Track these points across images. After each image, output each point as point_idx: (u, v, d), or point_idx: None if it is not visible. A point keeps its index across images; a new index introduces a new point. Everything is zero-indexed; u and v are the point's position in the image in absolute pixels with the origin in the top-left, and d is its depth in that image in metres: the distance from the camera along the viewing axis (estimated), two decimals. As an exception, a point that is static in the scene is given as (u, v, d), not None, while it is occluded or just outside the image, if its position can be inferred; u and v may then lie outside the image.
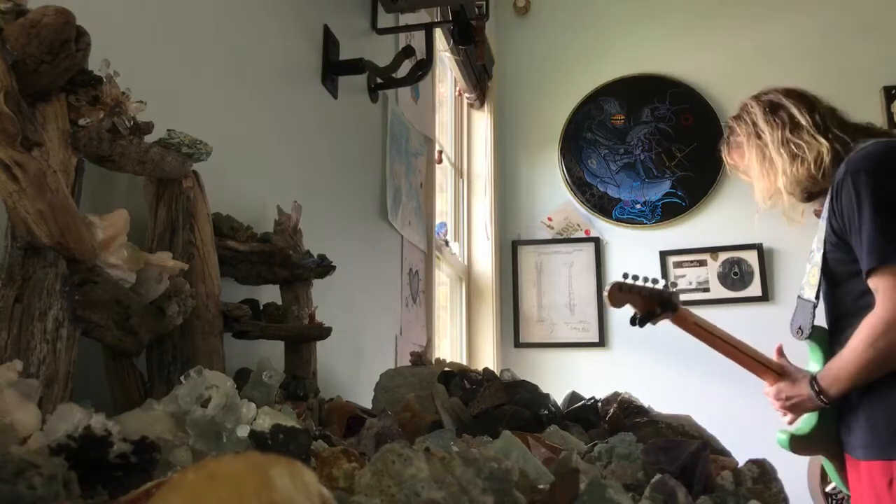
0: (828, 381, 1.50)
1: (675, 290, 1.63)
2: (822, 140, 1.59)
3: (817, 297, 1.58)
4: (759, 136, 1.69)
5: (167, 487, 0.37)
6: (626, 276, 1.60)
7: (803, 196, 1.66)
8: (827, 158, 1.57)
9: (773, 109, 1.69)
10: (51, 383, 0.70)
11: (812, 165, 1.58)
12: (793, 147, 1.62)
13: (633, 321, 1.62)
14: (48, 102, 0.76)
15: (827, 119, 1.63)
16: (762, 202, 1.73)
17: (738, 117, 1.77)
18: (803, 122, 1.63)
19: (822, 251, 1.56)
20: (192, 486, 0.35)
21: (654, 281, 1.61)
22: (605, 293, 1.59)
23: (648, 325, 1.61)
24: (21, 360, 0.63)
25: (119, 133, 0.85)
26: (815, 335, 1.61)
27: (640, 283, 1.59)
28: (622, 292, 1.58)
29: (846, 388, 1.47)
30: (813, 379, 1.53)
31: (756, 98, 1.75)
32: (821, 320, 1.62)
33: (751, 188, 1.78)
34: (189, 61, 1.24)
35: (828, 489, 2.65)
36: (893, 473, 1.39)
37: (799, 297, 1.66)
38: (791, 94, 1.70)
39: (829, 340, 1.60)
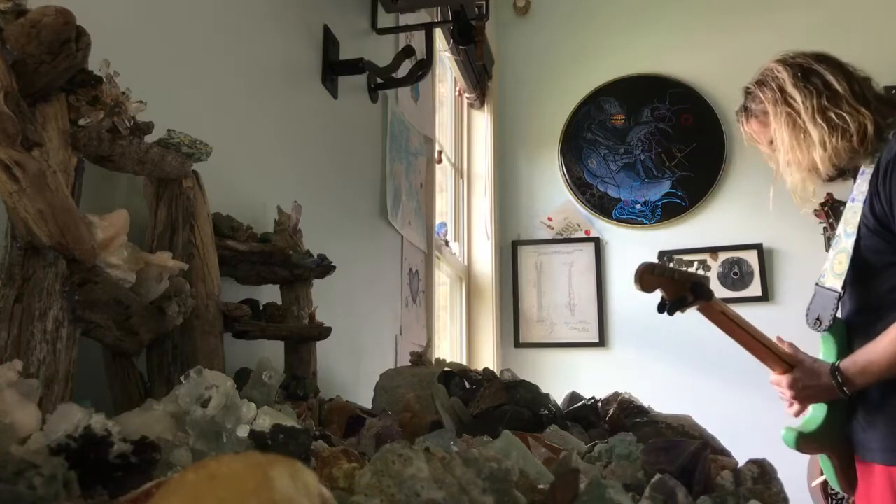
0: (854, 372, 1.37)
1: (706, 274, 1.47)
2: (865, 111, 1.43)
3: (844, 288, 1.44)
4: (788, 104, 1.50)
5: (167, 487, 0.37)
6: (661, 256, 1.49)
7: (832, 173, 1.49)
8: (871, 130, 1.41)
9: (804, 75, 1.50)
10: (51, 383, 0.70)
11: (855, 137, 1.42)
12: (832, 116, 1.44)
13: (660, 308, 1.42)
14: (48, 102, 0.76)
15: (866, 89, 1.48)
16: (792, 176, 1.53)
17: (760, 83, 1.57)
18: (841, 90, 1.46)
19: (853, 237, 1.42)
20: (192, 486, 0.35)
21: (688, 264, 1.46)
22: (636, 276, 1.40)
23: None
24: (21, 360, 0.63)
25: (119, 133, 0.85)
26: (832, 327, 1.48)
27: (672, 265, 1.43)
28: (654, 276, 1.40)
29: (874, 381, 1.36)
30: (836, 369, 1.40)
31: (781, 62, 1.55)
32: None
33: (760, 177, 1.60)
34: (189, 61, 1.24)
35: (813, 484, 2.62)
36: None
37: (818, 285, 1.51)
38: (822, 59, 1.52)
39: (847, 333, 1.48)
